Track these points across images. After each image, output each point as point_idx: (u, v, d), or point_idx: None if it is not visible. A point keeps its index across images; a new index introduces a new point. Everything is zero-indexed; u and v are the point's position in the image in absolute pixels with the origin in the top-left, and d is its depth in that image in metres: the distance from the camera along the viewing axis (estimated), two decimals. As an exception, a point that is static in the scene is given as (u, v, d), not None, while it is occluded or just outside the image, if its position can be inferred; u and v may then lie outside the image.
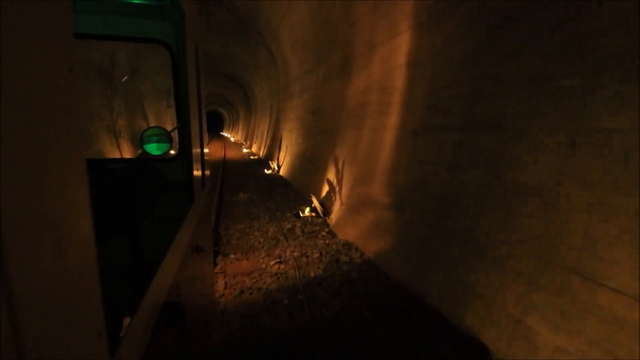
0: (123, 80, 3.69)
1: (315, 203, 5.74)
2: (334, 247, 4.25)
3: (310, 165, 7.48)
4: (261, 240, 4.59)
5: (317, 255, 3.96)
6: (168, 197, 1.66)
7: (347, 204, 4.78)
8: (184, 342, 0.95)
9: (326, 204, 5.67)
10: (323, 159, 6.54)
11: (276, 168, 10.75)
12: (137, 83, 3.81)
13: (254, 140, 19.50)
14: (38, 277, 0.32)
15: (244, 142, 24.05)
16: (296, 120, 9.58)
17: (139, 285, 0.97)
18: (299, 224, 5.16)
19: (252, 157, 15.58)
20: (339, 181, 5.30)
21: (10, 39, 0.28)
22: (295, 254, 4.02)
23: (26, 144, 0.31)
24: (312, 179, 7.07)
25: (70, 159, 0.38)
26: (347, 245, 4.28)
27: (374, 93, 4.53)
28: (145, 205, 1.40)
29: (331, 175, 5.80)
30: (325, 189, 5.94)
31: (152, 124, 4.02)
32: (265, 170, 10.84)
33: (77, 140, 0.39)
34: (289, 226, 5.07)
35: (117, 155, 3.94)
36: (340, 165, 5.39)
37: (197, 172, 1.68)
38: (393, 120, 3.96)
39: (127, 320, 0.67)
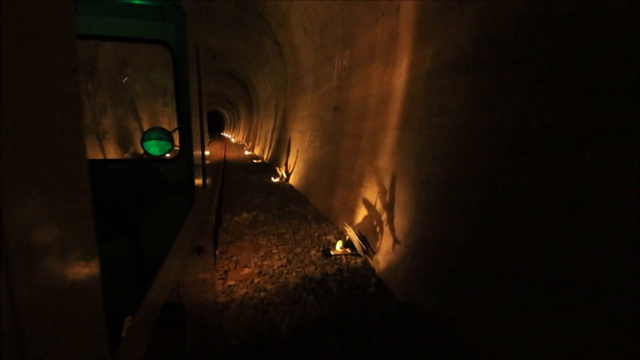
0: (123, 81, 3.44)
1: (351, 234, 4.10)
2: (403, 325, 2.61)
3: (334, 177, 5.84)
4: (277, 301, 2.96)
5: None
6: (169, 198, 1.63)
7: (410, 247, 3.14)
8: (185, 342, 0.93)
9: (367, 236, 4.03)
10: (355, 171, 4.90)
11: (284, 176, 9.12)
12: (128, 78, 3.44)
13: (257, 141, 17.88)
14: (39, 277, 0.31)
15: (246, 144, 22.48)
16: (310, 119, 7.95)
17: (139, 285, 0.98)
18: (331, 271, 3.52)
19: (255, 161, 13.96)
20: (387, 206, 3.66)
21: (12, 41, 0.28)
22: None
23: (28, 145, 0.30)
24: (338, 195, 5.43)
25: (72, 159, 0.37)
26: (422, 318, 2.64)
27: (454, 76, 2.90)
28: (145, 205, 1.34)
29: (371, 195, 4.17)
30: (362, 213, 4.29)
31: (145, 125, 3.80)
32: (272, 178, 9.20)
33: (79, 142, 0.38)
34: (318, 275, 3.43)
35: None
36: (388, 183, 3.75)
37: (197, 173, 1.64)
38: (512, 117, 2.33)
39: (127, 321, 0.66)
